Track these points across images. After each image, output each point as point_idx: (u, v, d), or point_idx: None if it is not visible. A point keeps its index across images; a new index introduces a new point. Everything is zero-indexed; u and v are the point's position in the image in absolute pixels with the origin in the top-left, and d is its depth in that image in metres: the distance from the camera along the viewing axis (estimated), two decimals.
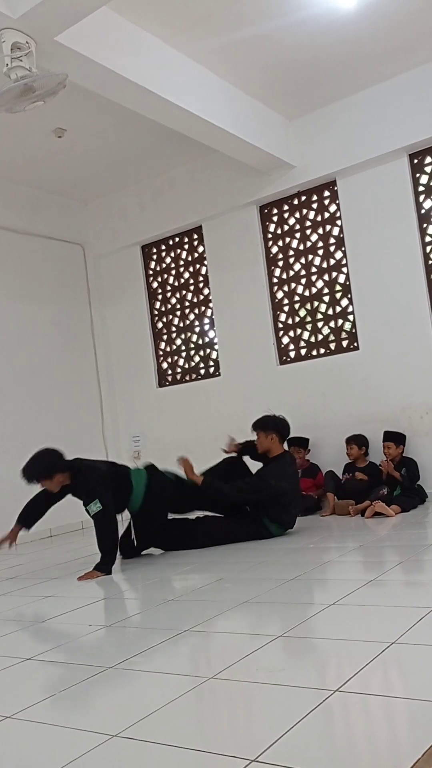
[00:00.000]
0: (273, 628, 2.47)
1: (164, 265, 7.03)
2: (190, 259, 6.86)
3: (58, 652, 2.56)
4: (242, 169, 6.11)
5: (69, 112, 5.21)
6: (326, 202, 6.00)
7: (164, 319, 7.03)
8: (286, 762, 1.48)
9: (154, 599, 3.23)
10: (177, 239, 6.93)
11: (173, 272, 6.97)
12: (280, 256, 6.26)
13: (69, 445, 6.63)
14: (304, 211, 6.12)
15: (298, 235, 6.16)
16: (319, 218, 6.04)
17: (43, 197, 6.89)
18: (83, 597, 3.53)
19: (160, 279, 7.06)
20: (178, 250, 6.93)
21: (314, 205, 6.06)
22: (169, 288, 7.00)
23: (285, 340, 6.24)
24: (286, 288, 6.23)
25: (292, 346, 6.21)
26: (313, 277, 6.07)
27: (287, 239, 6.21)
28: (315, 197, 6.05)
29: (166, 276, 7.02)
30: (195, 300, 6.83)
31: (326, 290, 6.02)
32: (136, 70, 4.31)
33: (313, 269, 6.07)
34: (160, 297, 7.06)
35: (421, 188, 5.54)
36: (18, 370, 6.48)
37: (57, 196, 7.03)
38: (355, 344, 5.86)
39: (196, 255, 6.80)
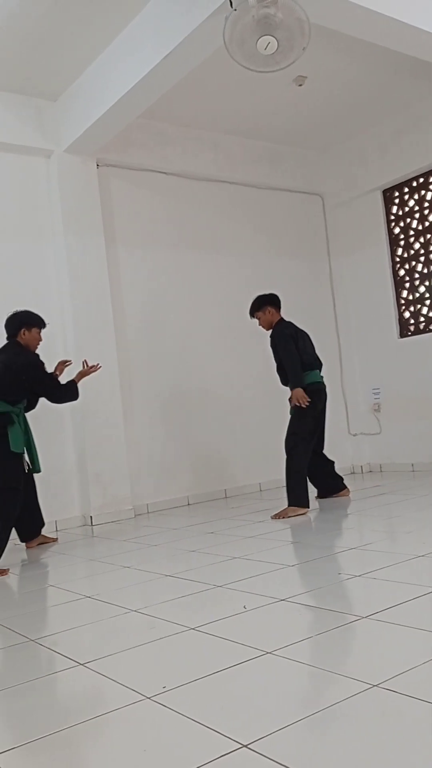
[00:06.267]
0: None
1: (407, 209, 6.68)
2: None
3: (310, 597, 2.62)
4: None
5: (308, 58, 5.09)
6: None
7: (406, 266, 6.71)
8: None
9: (404, 552, 3.16)
10: (421, 180, 6.52)
11: (417, 216, 6.60)
12: None
13: None
14: None
15: None
16: None
17: (281, 150, 6.91)
18: (327, 546, 3.58)
19: (402, 224, 6.73)
20: (423, 192, 6.53)
21: None
22: (412, 233, 6.65)
23: None
24: None
25: None
26: None
27: None
28: None
29: (408, 220, 6.67)
30: None
31: None
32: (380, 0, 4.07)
33: None
34: (402, 243, 6.74)
35: None
36: None
37: (295, 147, 6.99)
38: None
39: None
